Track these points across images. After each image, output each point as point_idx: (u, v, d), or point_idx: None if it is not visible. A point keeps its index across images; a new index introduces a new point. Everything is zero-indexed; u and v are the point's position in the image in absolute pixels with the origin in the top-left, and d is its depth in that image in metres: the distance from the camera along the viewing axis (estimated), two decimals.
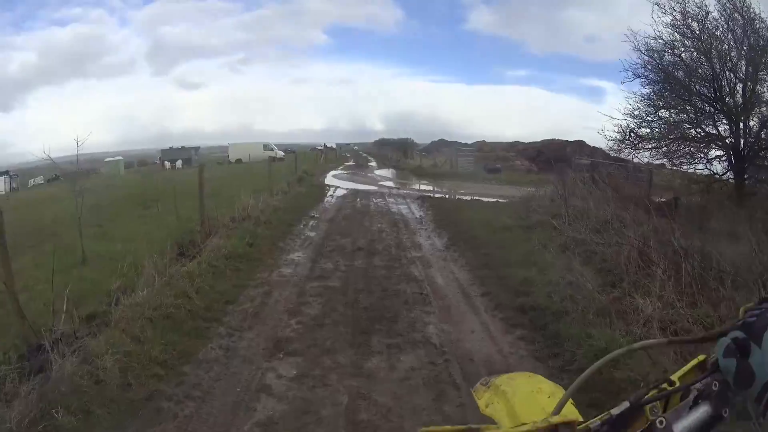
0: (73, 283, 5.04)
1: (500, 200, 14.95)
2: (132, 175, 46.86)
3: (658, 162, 12.63)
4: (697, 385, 0.75)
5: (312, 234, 10.16)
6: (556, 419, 0.72)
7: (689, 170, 11.88)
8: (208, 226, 8.74)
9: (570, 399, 0.87)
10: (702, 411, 0.74)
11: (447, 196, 17.33)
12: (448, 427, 0.71)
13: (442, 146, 54.52)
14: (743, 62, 10.63)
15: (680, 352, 3.38)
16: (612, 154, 13.80)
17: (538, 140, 43.03)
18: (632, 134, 11.84)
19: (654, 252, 5.73)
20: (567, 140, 39.36)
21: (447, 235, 9.46)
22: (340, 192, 18.70)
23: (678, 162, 11.87)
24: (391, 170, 35.22)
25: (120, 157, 63.24)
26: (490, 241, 8.56)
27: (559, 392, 1.10)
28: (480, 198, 16.06)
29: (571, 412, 0.91)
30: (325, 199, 16.38)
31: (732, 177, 11.03)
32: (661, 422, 0.71)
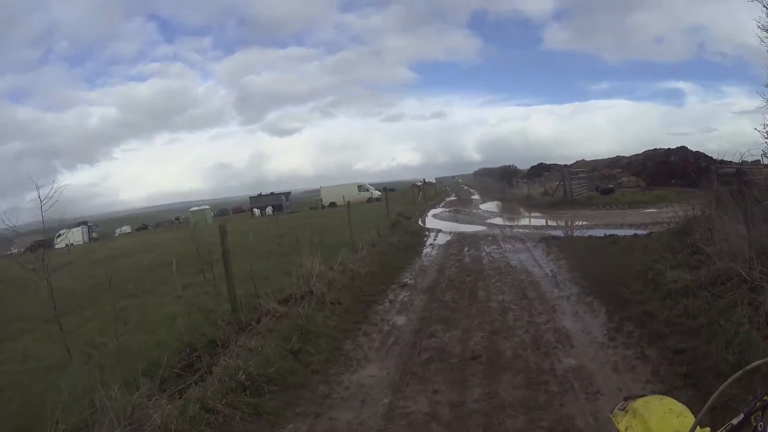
0: None
1: (638, 232, 12.47)
2: (218, 223, 46.25)
3: None
4: None
5: (400, 321, 7.04)
6: None
7: None
8: (244, 312, 6.65)
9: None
10: None
11: (570, 233, 14.40)
12: None
13: (541, 170, 51.31)
14: None
15: None
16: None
17: (640, 152, 39.44)
18: None
19: None
20: (669, 148, 36.02)
21: (603, 308, 6.47)
22: (442, 238, 15.97)
23: None
24: (496, 203, 32.31)
25: (206, 206, 64.32)
26: (671, 318, 5.43)
27: (686, 412, 1.26)
28: (613, 232, 12.97)
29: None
30: (423, 252, 13.51)
31: None
32: (761, 426, 0.83)
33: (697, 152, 34.03)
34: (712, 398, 0.98)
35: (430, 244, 14.83)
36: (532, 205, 25.62)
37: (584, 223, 16.88)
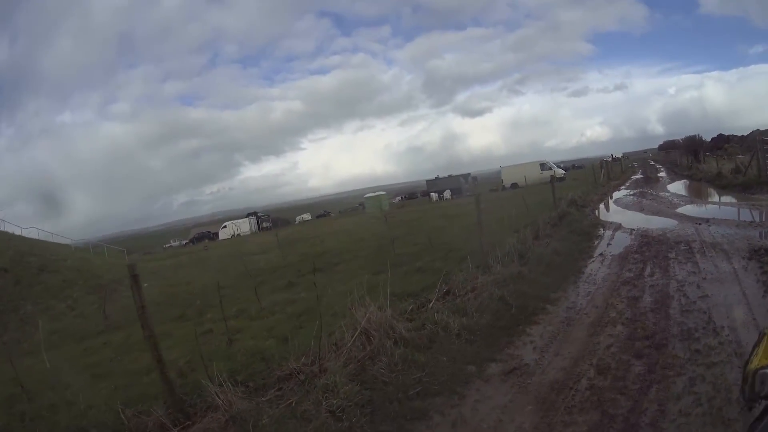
0: None
1: None
2: (395, 210, 46.29)
3: None
4: None
5: None
6: None
7: None
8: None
9: None
10: None
11: None
12: None
13: (722, 142, 43.42)
14: None
15: None
16: None
17: None
18: None
19: None
20: None
21: None
22: (618, 242, 12.02)
23: None
24: (684, 183, 27.39)
25: (382, 192, 64.14)
26: None
27: None
28: None
29: None
30: (585, 273, 9.25)
31: None
32: None
33: None
34: None
35: (600, 255, 10.77)
36: (723, 186, 20.77)
37: None
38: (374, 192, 64.02)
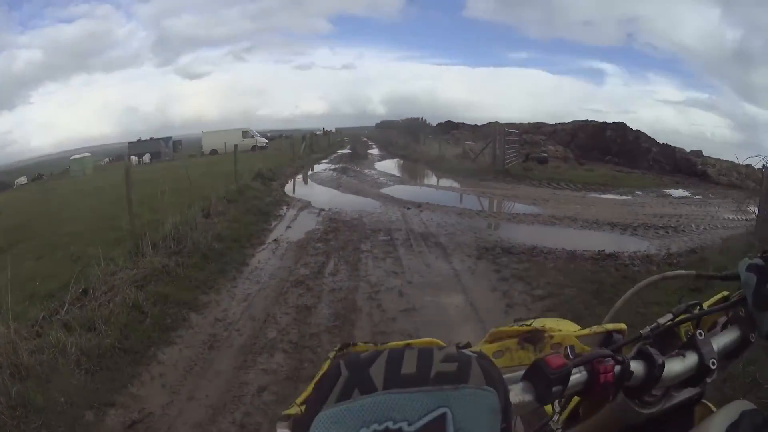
0: None
1: (643, 247, 7.47)
2: (100, 174, 40.29)
3: None
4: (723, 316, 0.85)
5: None
6: (609, 326, 0.83)
7: None
8: None
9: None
10: (732, 333, 0.80)
11: (525, 237, 7.93)
12: (516, 327, 0.82)
13: (450, 128, 46.87)
14: None
15: None
16: None
17: (567, 122, 36.43)
18: None
19: None
20: (605, 122, 33.15)
21: None
22: (302, 224, 9.15)
23: None
24: (398, 162, 25.44)
25: (87, 154, 56.59)
26: None
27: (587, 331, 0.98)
28: (597, 237, 8.15)
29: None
30: (253, 261, 6.90)
31: None
32: (700, 334, 0.74)
33: (637, 131, 31.11)
34: (615, 305, 1.00)
35: (274, 242, 7.92)
36: (447, 170, 18.85)
37: (534, 211, 10.72)
38: (80, 154, 54.33)
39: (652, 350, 0.70)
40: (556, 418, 0.95)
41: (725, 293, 0.86)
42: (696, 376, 0.74)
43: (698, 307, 0.83)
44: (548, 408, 0.71)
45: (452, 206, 10.80)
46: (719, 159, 31.25)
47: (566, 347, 0.81)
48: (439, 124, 46.38)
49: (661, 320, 0.78)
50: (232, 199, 10.88)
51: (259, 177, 14.80)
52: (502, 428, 0.43)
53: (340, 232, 8.40)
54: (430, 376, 0.41)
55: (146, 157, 51.56)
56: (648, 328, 0.77)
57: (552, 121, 37.70)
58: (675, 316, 0.78)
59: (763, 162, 7.48)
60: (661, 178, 22.84)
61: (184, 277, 6.03)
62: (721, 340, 0.78)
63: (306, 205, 11.25)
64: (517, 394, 0.56)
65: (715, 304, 0.86)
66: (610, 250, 6.94)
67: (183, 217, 8.07)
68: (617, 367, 0.63)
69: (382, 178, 16.86)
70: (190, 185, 11.11)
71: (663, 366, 0.69)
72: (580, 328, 1.01)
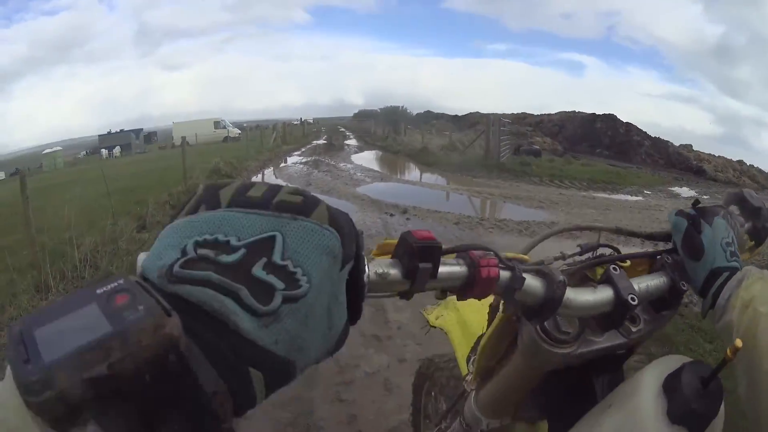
0: None
1: None
2: (70, 169, 37.26)
3: None
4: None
5: None
6: (510, 254, 0.68)
7: None
8: None
9: None
10: (657, 277, 0.72)
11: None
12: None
13: (430, 118, 45.16)
14: None
15: None
16: None
17: (553, 112, 35.80)
18: None
19: None
20: (594, 113, 32.22)
21: None
22: None
23: None
24: (377, 154, 23.21)
25: (58, 148, 55.14)
26: None
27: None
28: (630, 243, 5.13)
29: None
30: None
31: None
32: (614, 268, 0.67)
33: (627, 123, 29.91)
34: (537, 238, 0.91)
35: None
36: (433, 164, 16.81)
37: (546, 218, 8.84)
38: (52, 149, 52.94)
39: (553, 268, 0.62)
40: (469, 378, 0.94)
41: (651, 251, 0.76)
42: (614, 313, 0.66)
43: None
44: (464, 370, 0.77)
45: (445, 211, 8.72)
46: (711, 154, 30.32)
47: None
48: (418, 114, 45.05)
49: (568, 251, 0.73)
50: (177, 205, 8.69)
51: (215, 174, 12.66)
52: (348, 281, 0.42)
53: None
54: (272, 202, 0.41)
55: (116, 150, 51.07)
56: (551, 257, 0.72)
57: (536, 112, 36.57)
58: (584, 251, 0.73)
59: None
60: (661, 175, 21.68)
61: None
62: (644, 280, 0.70)
63: None
64: (384, 266, 0.52)
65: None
66: None
67: (108, 233, 6.70)
68: (505, 273, 0.58)
69: (359, 173, 14.66)
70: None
71: (564, 284, 0.60)
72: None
